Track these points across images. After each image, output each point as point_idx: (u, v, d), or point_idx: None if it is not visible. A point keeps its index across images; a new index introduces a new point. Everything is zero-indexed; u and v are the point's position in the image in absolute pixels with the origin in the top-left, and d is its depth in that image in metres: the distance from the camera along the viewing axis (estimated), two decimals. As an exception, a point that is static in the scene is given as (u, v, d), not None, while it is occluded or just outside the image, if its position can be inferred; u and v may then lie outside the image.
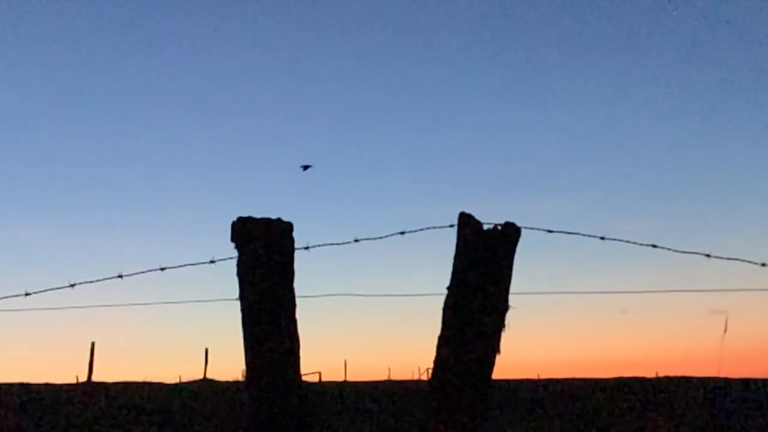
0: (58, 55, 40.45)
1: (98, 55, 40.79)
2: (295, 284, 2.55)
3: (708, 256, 2.85)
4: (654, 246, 2.87)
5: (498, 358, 2.44)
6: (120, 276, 2.82)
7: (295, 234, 2.57)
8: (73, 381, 15.82)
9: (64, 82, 40.74)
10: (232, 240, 2.54)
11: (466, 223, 2.48)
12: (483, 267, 2.42)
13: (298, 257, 2.57)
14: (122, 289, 2.88)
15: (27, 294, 2.79)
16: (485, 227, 2.47)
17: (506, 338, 2.44)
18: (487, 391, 2.43)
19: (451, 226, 2.55)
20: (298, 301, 2.54)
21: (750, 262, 2.83)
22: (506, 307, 2.45)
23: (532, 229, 2.59)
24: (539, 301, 3.18)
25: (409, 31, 41.44)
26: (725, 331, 3.69)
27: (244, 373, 2.59)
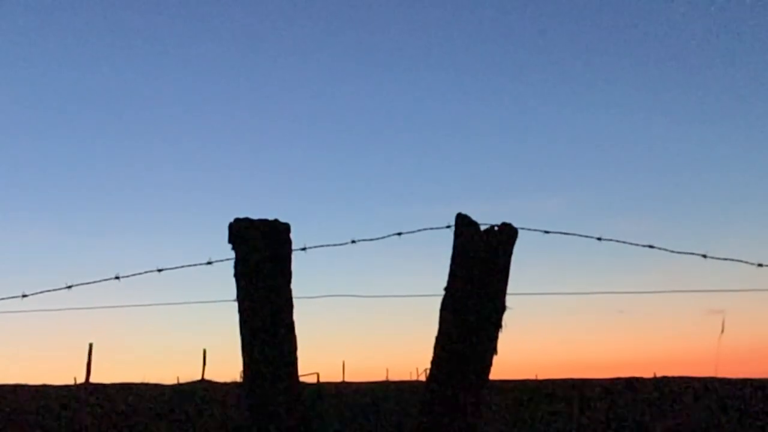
0: (55, 55, 40.37)
1: (95, 56, 40.68)
2: (293, 285, 2.55)
3: (705, 256, 2.85)
4: (651, 246, 2.87)
5: (495, 359, 2.44)
6: (117, 277, 2.82)
7: (292, 235, 2.57)
8: (71, 382, 15.80)
9: (61, 82, 40.61)
10: (230, 241, 2.54)
11: (463, 224, 2.48)
12: (480, 268, 2.43)
13: (296, 258, 2.58)
14: (120, 290, 2.88)
15: (24, 295, 2.79)
16: (482, 228, 2.47)
17: (503, 338, 2.45)
18: (485, 391, 2.43)
19: (448, 227, 2.55)
20: (295, 301, 2.55)
21: (747, 262, 2.83)
22: (503, 308, 2.45)
23: (529, 229, 2.59)
24: (536, 301, 3.19)
25: (406, 31, 41.44)
26: (722, 331, 3.71)
27: (242, 374, 2.59)
